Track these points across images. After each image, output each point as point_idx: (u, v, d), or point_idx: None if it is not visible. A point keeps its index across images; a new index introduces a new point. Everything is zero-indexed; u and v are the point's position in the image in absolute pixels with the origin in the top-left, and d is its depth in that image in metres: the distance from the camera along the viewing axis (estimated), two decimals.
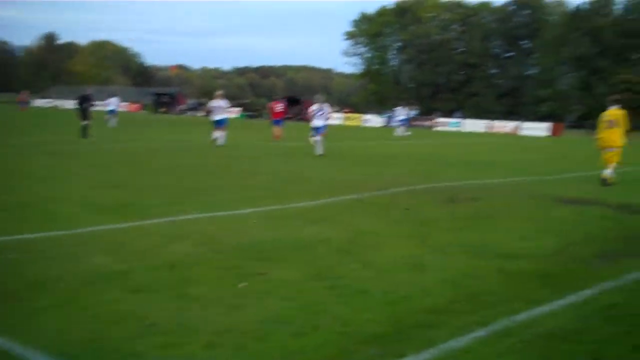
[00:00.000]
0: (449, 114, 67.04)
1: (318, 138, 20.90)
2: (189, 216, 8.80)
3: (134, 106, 72.47)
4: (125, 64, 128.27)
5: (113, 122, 34.64)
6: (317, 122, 21.17)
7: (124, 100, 76.85)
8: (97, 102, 28.88)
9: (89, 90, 28.44)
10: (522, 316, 5.01)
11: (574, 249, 7.47)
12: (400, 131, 39.19)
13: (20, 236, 7.24)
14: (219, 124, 23.16)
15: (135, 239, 7.36)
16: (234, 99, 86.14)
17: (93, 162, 15.60)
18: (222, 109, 23.57)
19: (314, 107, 21.69)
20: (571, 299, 5.53)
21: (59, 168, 14.12)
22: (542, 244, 7.67)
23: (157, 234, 7.63)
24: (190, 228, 8.02)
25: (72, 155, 17.51)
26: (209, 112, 25.22)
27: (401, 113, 42.10)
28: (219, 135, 22.99)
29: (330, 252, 6.97)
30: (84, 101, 24.91)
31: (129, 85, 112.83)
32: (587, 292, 5.73)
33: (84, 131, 24.05)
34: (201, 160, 17.48)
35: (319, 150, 20.54)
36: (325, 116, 21.54)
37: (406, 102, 50.76)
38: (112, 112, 35.88)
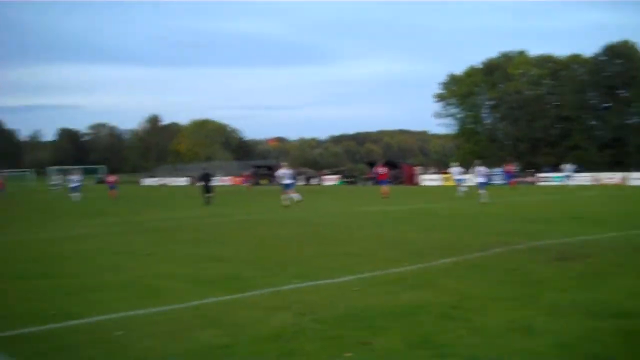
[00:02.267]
0: (554, 168, 64.98)
1: (483, 191, 28.22)
2: (290, 286, 8.80)
3: (237, 179, 74.45)
4: (226, 139, 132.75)
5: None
6: (480, 179, 29.21)
7: (226, 174, 79.38)
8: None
9: (208, 168, 35.72)
10: None
11: None
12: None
13: (126, 313, 7.43)
14: (288, 187, 28.54)
15: (239, 311, 7.40)
16: (330, 167, 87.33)
17: (196, 237, 15.94)
18: (288, 175, 29.12)
19: (478, 169, 29.91)
20: None
21: (162, 244, 14.50)
22: None
23: (260, 306, 7.65)
24: (291, 298, 8.00)
25: (175, 230, 18.00)
26: (278, 179, 31.61)
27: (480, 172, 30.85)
28: (294, 195, 28.18)
29: (434, 318, 6.76)
30: (206, 178, 31.28)
31: (230, 159, 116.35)
32: None
33: (208, 200, 30.03)
34: (300, 230, 17.55)
35: (484, 199, 27.47)
36: (484, 174, 29.72)
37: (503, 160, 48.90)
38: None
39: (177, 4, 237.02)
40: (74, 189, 39.55)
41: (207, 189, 30.68)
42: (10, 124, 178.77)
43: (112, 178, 45.09)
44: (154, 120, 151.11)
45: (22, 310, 7.75)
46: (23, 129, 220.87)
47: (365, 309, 7.25)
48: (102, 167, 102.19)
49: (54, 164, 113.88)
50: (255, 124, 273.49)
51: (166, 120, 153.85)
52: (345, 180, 69.48)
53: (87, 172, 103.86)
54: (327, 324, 6.67)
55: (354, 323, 6.63)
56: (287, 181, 28.74)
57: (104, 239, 15.88)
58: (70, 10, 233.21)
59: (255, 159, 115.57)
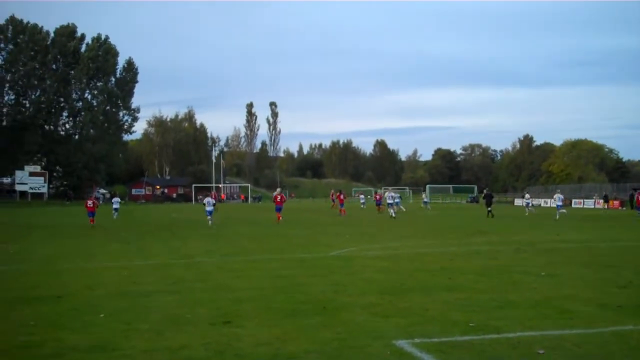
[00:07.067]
0: None
1: None
2: None
3: (613, 202, 69.98)
4: (601, 160, 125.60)
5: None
6: None
7: (600, 197, 75.02)
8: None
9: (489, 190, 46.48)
10: None
11: None
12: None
13: (544, 332, 7.62)
14: (397, 203, 40.65)
15: None
16: None
17: (590, 261, 15.37)
18: (395, 196, 39.99)
19: None
20: None
21: (556, 265, 14.29)
22: None
23: None
24: None
25: (565, 251, 17.58)
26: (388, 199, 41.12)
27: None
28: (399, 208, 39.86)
29: None
30: (489, 197, 42.45)
31: (605, 182, 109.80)
32: None
33: (489, 214, 39.79)
34: None
35: None
36: None
37: None
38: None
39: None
40: None
41: (488, 205, 41.27)
42: (393, 144, 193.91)
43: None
44: (526, 140, 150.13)
45: (444, 319, 8.43)
46: (403, 149, 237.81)
47: None
48: (473, 187, 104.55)
49: (430, 183, 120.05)
50: (635, 145, 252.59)
51: (539, 140, 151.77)
52: None
53: (459, 192, 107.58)
54: None
55: None
56: (396, 200, 42.28)
57: (495, 257, 16.32)
58: (443, 37, 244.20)
59: (632, 181, 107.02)
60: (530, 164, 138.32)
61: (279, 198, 35.03)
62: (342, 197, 46.42)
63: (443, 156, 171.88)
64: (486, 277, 12.43)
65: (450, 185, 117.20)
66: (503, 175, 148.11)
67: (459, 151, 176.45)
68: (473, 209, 49.64)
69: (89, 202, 32.58)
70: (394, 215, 39.20)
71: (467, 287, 11.20)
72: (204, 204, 33.42)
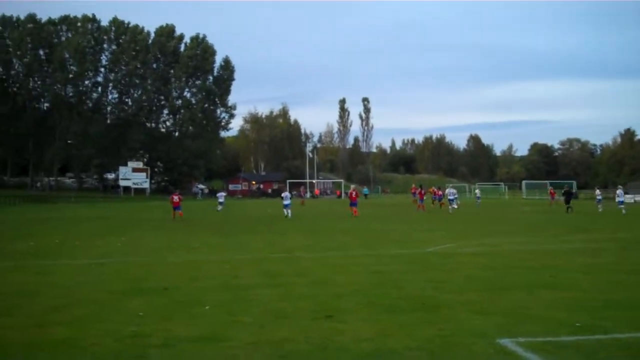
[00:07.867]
0: None
1: None
2: None
3: None
4: None
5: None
6: None
7: None
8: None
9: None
10: None
11: None
12: None
13: None
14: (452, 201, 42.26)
15: None
16: None
17: None
18: (452, 193, 43.43)
19: None
20: None
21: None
22: None
23: None
24: None
25: None
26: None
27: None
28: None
29: None
30: (568, 194, 44.06)
31: None
32: None
33: (568, 210, 40.44)
34: None
35: None
36: None
37: None
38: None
39: None
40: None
41: (568, 202, 41.99)
42: (487, 139, 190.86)
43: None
44: (628, 134, 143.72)
45: (547, 318, 8.26)
46: (497, 144, 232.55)
47: None
48: (572, 182, 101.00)
49: (526, 178, 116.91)
50: None
51: None
52: None
53: (557, 187, 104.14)
54: None
55: None
56: (451, 197, 43.45)
57: (599, 255, 15.83)
58: (539, 29, 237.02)
59: None
60: (633, 159, 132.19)
61: (354, 194, 38.34)
62: (422, 192, 46.03)
63: (539, 151, 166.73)
64: (590, 276, 12.08)
65: (548, 181, 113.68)
66: (603, 171, 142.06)
67: (556, 146, 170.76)
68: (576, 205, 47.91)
69: (175, 197, 35.91)
70: (450, 211, 40.91)
71: (570, 285, 10.92)
72: (282, 198, 38.05)
